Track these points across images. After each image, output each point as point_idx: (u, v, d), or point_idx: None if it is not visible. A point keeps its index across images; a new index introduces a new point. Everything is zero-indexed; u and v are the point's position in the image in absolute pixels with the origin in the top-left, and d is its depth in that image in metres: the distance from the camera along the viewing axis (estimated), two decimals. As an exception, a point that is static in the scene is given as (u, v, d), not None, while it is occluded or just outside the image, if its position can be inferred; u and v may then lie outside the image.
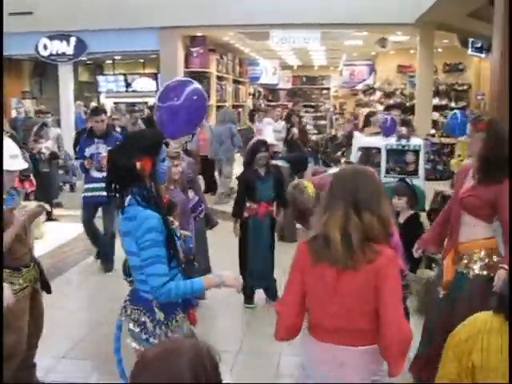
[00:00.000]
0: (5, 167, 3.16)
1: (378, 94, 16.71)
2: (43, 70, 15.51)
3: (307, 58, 19.95)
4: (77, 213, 7.18)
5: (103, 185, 6.22)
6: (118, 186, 2.50)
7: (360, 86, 18.15)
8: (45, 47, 12.65)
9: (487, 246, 3.42)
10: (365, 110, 15.29)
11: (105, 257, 6.59)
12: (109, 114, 13.17)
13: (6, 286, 3.07)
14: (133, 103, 15.18)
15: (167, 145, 4.33)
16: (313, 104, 23.05)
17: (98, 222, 6.63)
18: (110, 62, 16.76)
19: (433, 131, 13.02)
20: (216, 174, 10.60)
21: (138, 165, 2.44)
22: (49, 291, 3.69)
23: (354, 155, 7.90)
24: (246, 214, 5.42)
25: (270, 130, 10.28)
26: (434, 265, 5.07)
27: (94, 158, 6.36)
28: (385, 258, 2.15)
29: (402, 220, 4.70)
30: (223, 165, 10.11)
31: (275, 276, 5.46)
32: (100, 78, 16.09)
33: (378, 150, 7.73)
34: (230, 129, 10.06)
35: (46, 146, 8.51)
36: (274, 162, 6.44)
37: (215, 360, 1.33)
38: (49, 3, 11.80)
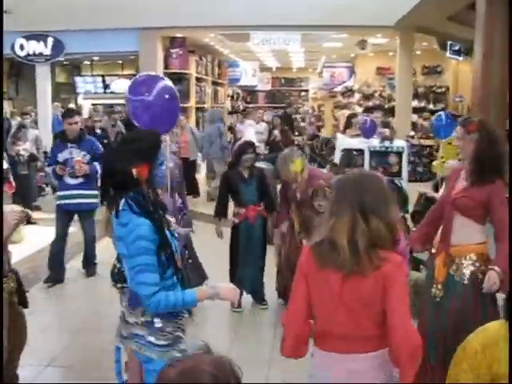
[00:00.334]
0: None
1: (357, 95, 16.78)
2: (19, 71, 15.22)
3: (286, 59, 19.98)
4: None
5: (79, 192, 6.09)
6: (112, 191, 2.42)
7: (339, 88, 18.20)
8: (21, 47, 12.41)
9: (478, 251, 3.41)
10: (344, 112, 15.36)
11: (87, 261, 6.46)
12: (87, 115, 13.11)
13: None
14: (111, 105, 14.97)
15: None
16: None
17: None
18: (88, 62, 16.51)
19: (412, 133, 13.14)
20: (197, 176, 10.54)
21: (135, 171, 2.36)
22: (25, 306, 3.54)
23: (338, 157, 7.90)
24: (236, 220, 5.37)
25: (251, 132, 10.26)
26: (421, 266, 5.07)
27: (67, 164, 6.03)
28: (392, 265, 2.11)
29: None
30: (215, 164, 10.18)
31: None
32: (78, 79, 15.85)
33: (361, 151, 7.75)
34: (219, 128, 10.13)
35: (24, 148, 8.36)
36: (257, 164, 6.40)
37: (237, 374, 1.28)
38: (27, 3, 11.57)
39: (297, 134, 15.46)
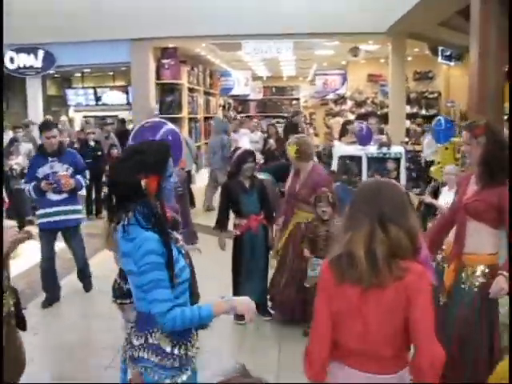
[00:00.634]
0: None
1: (349, 103, 16.80)
2: (10, 84, 15.09)
3: (277, 68, 19.96)
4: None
5: (64, 208, 5.86)
6: (119, 203, 2.33)
7: (331, 96, 18.20)
8: (11, 60, 12.33)
9: (489, 263, 3.38)
10: (338, 120, 15.33)
11: (82, 275, 6.33)
12: (80, 128, 13.01)
13: None
14: (103, 117, 14.88)
15: None
16: (285, 115, 23.02)
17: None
18: (79, 74, 16.40)
19: (406, 139, 13.12)
20: (192, 186, 10.47)
21: (144, 182, 2.27)
22: (24, 328, 3.42)
23: (335, 164, 7.86)
24: (237, 232, 5.27)
25: (246, 141, 10.21)
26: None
27: (49, 179, 5.70)
28: (414, 274, 2.01)
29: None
30: (218, 174, 10.25)
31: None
32: (69, 92, 15.75)
33: (358, 158, 7.70)
34: (222, 139, 10.24)
35: (16, 162, 8.24)
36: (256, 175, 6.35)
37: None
38: (16, 15, 11.45)
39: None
